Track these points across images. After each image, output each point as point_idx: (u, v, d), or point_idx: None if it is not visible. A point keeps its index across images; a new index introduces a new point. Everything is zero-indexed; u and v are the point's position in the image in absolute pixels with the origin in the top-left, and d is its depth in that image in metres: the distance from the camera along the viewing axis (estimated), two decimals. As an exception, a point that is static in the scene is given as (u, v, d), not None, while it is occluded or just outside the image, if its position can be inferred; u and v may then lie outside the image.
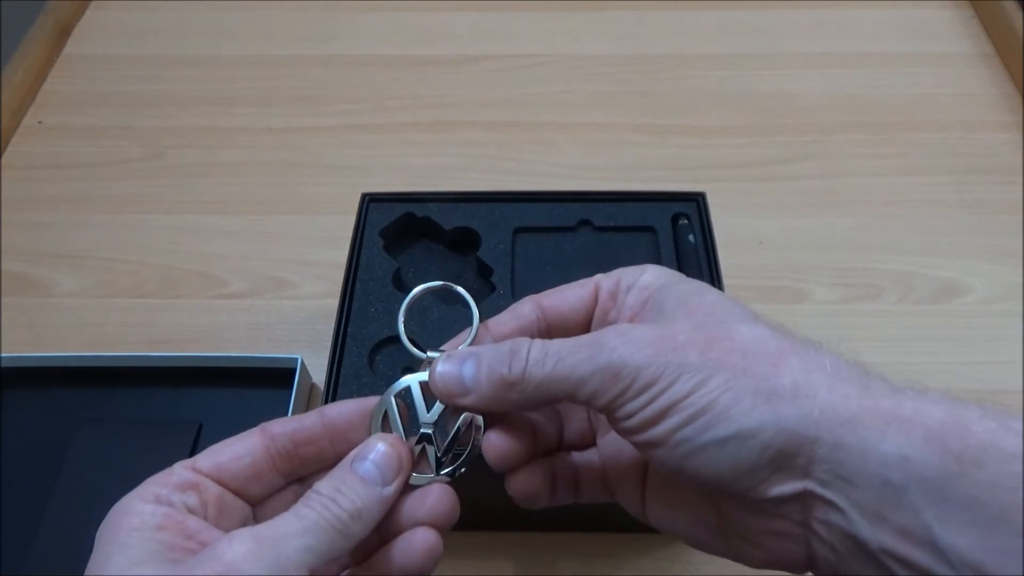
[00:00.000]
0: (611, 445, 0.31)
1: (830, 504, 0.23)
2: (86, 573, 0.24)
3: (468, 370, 0.28)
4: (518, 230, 0.52)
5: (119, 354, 0.54)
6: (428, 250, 0.54)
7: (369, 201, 0.54)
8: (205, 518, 0.26)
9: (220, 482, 0.27)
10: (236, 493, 0.27)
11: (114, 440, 0.52)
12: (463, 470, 0.29)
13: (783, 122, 0.72)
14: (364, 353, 0.46)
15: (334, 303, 0.48)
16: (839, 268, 0.61)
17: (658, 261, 0.51)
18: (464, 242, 0.53)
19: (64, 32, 0.82)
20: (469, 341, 0.30)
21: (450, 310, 0.48)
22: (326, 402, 0.44)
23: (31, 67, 0.77)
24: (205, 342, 0.58)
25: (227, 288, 0.62)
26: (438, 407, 0.29)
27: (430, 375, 0.29)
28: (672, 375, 0.24)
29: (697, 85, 0.76)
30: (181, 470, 0.27)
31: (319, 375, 0.54)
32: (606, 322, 0.30)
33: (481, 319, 0.31)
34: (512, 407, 0.28)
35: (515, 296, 0.49)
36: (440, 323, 0.47)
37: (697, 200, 0.53)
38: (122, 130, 0.74)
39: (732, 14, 0.82)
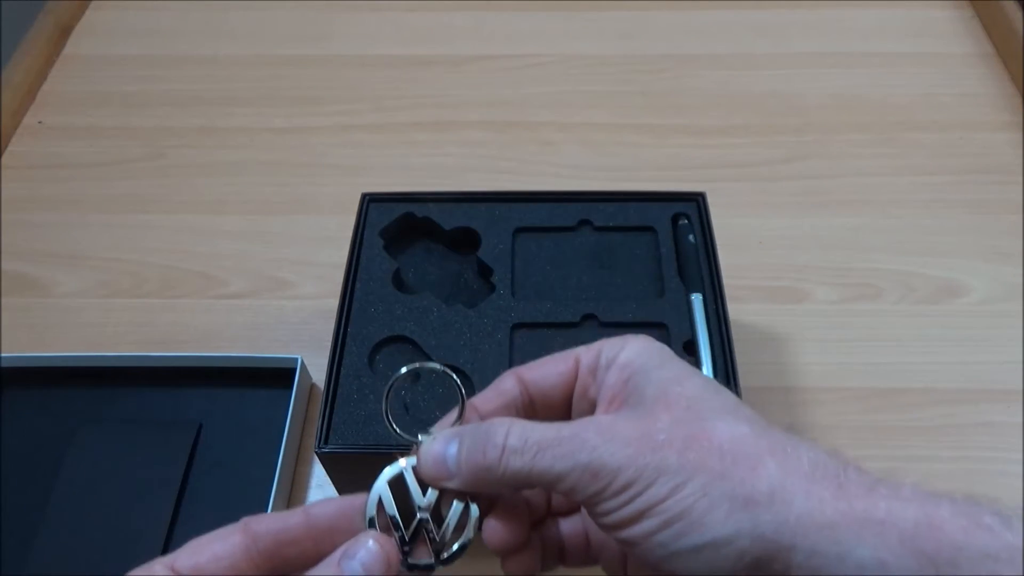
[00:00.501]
0: None
1: None
2: None
3: (451, 453, 0.28)
4: (518, 230, 0.52)
5: (119, 354, 0.54)
6: (428, 250, 0.54)
7: (369, 201, 0.54)
8: None
9: None
10: None
11: (114, 440, 0.52)
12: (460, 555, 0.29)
13: (783, 122, 0.72)
14: (364, 353, 0.46)
15: (334, 303, 0.48)
16: (839, 268, 0.61)
17: (658, 261, 0.51)
18: (464, 242, 0.53)
19: (64, 32, 0.82)
20: (455, 421, 0.30)
21: (450, 310, 0.48)
22: (326, 401, 0.44)
23: (31, 67, 0.77)
24: (205, 342, 0.58)
25: (227, 288, 0.62)
26: (432, 491, 0.29)
27: (418, 459, 0.28)
28: (650, 478, 0.25)
29: (697, 85, 0.76)
30: (160, 569, 0.26)
31: (319, 375, 0.54)
32: (586, 398, 0.30)
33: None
34: (495, 491, 0.28)
35: (515, 296, 0.49)
36: (440, 322, 0.47)
37: (697, 200, 0.53)
38: (122, 130, 0.74)
39: (732, 14, 0.82)
